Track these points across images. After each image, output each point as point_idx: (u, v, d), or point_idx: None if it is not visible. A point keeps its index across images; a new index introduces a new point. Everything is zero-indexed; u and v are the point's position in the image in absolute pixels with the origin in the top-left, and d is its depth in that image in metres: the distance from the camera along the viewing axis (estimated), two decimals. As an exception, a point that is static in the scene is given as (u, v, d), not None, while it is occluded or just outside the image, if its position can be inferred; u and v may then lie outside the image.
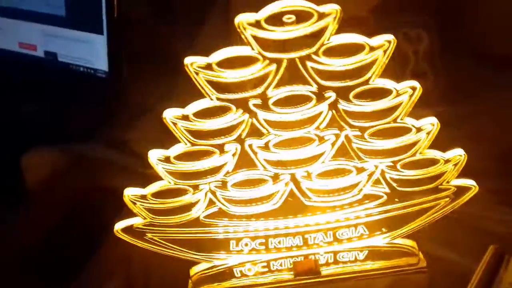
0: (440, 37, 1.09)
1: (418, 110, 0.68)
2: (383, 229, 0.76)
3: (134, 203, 0.71)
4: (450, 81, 1.09)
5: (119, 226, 0.73)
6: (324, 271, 0.77)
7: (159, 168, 0.69)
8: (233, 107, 0.67)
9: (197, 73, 0.63)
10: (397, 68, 1.06)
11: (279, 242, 0.76)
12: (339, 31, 0.61)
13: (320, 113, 0.67)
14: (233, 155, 0.69)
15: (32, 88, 1.09)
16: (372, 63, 0.65)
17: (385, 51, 0.64)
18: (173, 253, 0.75)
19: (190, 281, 0.77)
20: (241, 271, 0.77)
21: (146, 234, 0.73)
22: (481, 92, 1.05)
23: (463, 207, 0.74)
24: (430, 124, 0.69)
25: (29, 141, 0.99)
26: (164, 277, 0.81)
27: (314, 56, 0.64)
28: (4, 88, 1.07)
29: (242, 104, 0.66)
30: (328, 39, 0.62)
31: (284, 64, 0.65)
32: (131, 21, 1.06)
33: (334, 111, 0.67)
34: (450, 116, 0.94)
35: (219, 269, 0.76)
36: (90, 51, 1.07)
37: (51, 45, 1.11)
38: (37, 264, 0.84)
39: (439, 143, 0.71)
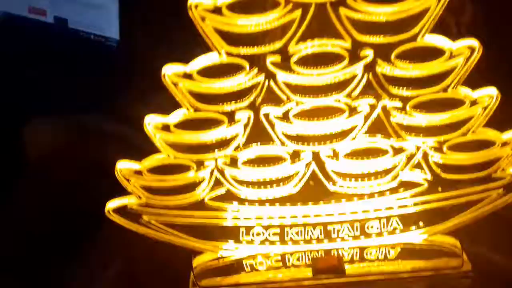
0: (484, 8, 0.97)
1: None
2: (421, 224, 0.70)
3: (128, 180, 0.65)
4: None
5: (111, 205, 0.67)
6: (348, 269, 0.70)
7: (157, 138, 0.62)
8: (246, 65, 0.57)
9: (203, 19, 0.53)
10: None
11: (297, 233, 0.70)
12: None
13: (354, 76, 0.60)
14: (245, 125, 0.63)
15: (40, 56, 1.03)
16: (423, 13, 0.55)
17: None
18: (173, 239, 0.69)
19: (192, 273, 0.71)
20: (251, 265, 0.72)
21: (142, 216, 0.68)
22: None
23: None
24: (488, 96, 0.61)
25: (32, 110, 0.96)
26: (168, 264, 0.76)
27: (349, 0, 0.55)
28: (12, 56, 1.02)
29: (257, 62, 0.59)
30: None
31: (312, 10, 0.56)
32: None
33: (370, 75, 0.59)
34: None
35: (226, 261, 0.71)
36: (102, 17, 1.05)
37: (62, 10, 1.09)
38: (35, 244, 0.80)
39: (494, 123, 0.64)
